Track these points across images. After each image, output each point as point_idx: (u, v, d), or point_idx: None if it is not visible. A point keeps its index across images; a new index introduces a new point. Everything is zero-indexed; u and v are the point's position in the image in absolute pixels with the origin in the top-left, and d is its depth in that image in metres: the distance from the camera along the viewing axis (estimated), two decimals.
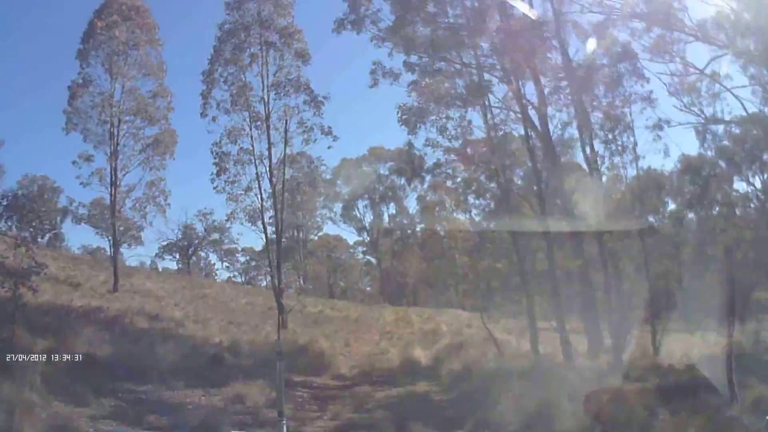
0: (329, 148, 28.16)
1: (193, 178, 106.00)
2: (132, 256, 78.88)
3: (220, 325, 25.49)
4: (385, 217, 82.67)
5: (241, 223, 27.57)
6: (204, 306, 33.37)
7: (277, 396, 8.18)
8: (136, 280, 41.20)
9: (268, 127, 26.90)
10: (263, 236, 28.04)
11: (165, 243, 72.32)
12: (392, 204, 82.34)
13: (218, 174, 26.92)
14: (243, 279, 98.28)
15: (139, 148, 34.74)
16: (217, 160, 27.02)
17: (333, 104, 28.48)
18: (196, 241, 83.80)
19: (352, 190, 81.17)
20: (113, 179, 34.71)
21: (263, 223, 27.34)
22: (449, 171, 23.33)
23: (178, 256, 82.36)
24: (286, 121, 27.21)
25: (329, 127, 27.61)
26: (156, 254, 75.00)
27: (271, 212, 28.27)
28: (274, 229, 30.48)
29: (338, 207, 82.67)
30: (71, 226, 59.43)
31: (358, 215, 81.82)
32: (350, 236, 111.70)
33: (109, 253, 77.10)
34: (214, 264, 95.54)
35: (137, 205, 37.28)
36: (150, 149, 34.87)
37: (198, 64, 48.88)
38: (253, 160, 26.94)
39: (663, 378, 14.26)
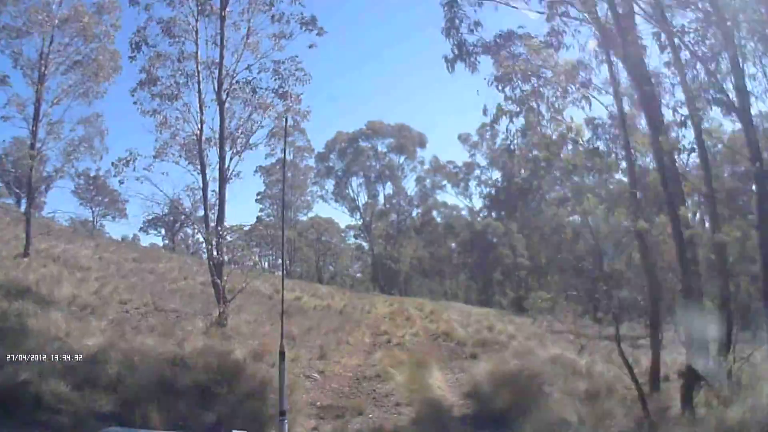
0: (311, 47, 17.44)
1: None
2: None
3: (126, 313, 15.74)
4: (381, 198, 73.46)
5: (176, 163, 17.18)
6: (137, 284, 23.57)
7: (279, 393, 6.38)
8: (71, 246, 31.67)
9: (222, 19, 16.77)
10: (200, 178, 17.23)
11: (150, 217, 65.20)
12: (389, 183, 73.05)
13: (142, 84, 16.75)
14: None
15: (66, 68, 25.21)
16: (138, 56, 16.73)
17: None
18: (182, 217, 76.45)
19: (346, 166, 71.70)
20: (36, 111, 25.05)
21: (200, 156, 16.83)
22: (520, 51, 12.42)
23: (164, 232, 74.54)
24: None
25: (312, 17, 17.06)
26: (140, 228, 69.38)
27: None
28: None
29: (330, 184, 73.29)
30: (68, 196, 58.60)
31: (352, 194, 72.44)
32: (342, 218, 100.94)
33: (92, 225, 70.23)
34: (202, 242, 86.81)
35: (69, 148, 27.06)
36: (78, 69, 25.06)
37: None
38: (195, 66, 16.68)
39: None
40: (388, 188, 71.64)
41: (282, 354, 6.77)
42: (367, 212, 72.06)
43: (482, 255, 68.49)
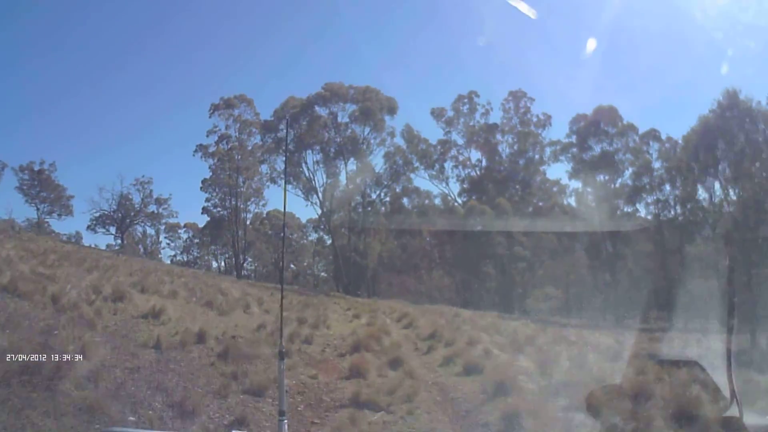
0: None
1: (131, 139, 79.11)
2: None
3: None
4: (342, 178, 56.34)
5: None
6: None
7: (279, 395, 5.94)
8: None
9: None
10: None
11: (98, 214, 56.56)
12: (352, 160, 55.94)
13: None
14: (184, 257, 72.27)
15: None
16: None
17: None
18: (132, 213, 60.88)
19: (299, 137, 54.26)
20: None
21: None
22: None
23: (115, 230, 60.21)
24: None
25: None
26: (88, 226, 57.45)
27: None
28: None
29: (281, 161, 55.80)
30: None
31: (307, 173, 55.03)
32: (299, 208, 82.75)
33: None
34: (160, 241, 71.53)
35: None
36: None
37: None
38: None
39: None
40: (351, 165, 54.47)
41: (281, 353, 5.99)
42: (327, 196, 54.80)
43: (465, 246, 51.99)
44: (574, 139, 49.16)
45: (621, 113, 47.50)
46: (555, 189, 56.54)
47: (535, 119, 56.43)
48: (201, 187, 60.14)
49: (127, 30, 70.02)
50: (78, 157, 77.46)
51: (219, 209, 63.34)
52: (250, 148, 59.45)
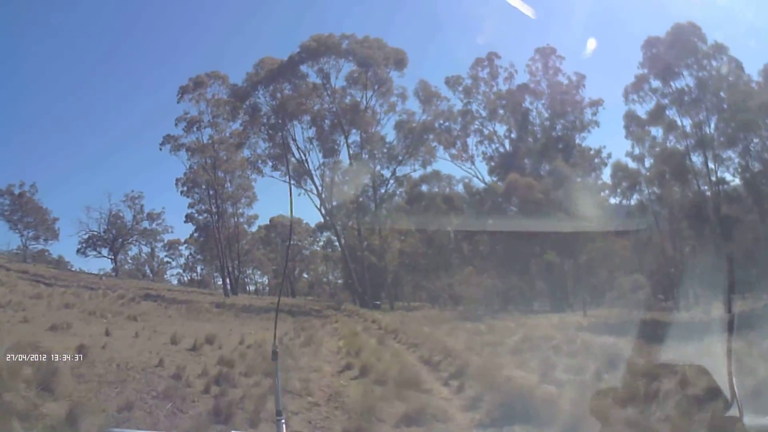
0: None
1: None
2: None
3: None
4: (344, 155, 42.88)
5: None
6: None
7: (276, 394, 5.51)
8: None
9: None
10: None
11: (87, 236, 49.65)
12: (354, 132, 42.23)
13: None
14: (187, 277, 62.08)
15: None
16: None
17: None
18: (125, 232, 53.34)
19: (280, 105, 40.81)
20: None
21: None
22: None
23: (109, 252, 51.95)
24: None
25: None
26: (77, 250, 49.99)
27: None
28: None
29: (263, 140, 42.35)
30: None
31: (298, 153, 41.44)
32: (302, 205, 69.45)
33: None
34: (164, 260, 60.79)
35: None
36: None
37: None
38: None
39: None
40: (354, 137, 40.78)
41: (275, 354, 5.41)
42: (325, 181, 41.26)
43: (508, 232, 38.08)
44: (646, 70, 34.99)
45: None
46: (605, 154, 42.75)
47: (566, 81, 43.27)
48: (182, 192, 46.97)
49: (88, 31, 58.01)
50: (59, 176, 67.58)
51: (205, 215, 50.06)
52: (228, 134, 45.88)
